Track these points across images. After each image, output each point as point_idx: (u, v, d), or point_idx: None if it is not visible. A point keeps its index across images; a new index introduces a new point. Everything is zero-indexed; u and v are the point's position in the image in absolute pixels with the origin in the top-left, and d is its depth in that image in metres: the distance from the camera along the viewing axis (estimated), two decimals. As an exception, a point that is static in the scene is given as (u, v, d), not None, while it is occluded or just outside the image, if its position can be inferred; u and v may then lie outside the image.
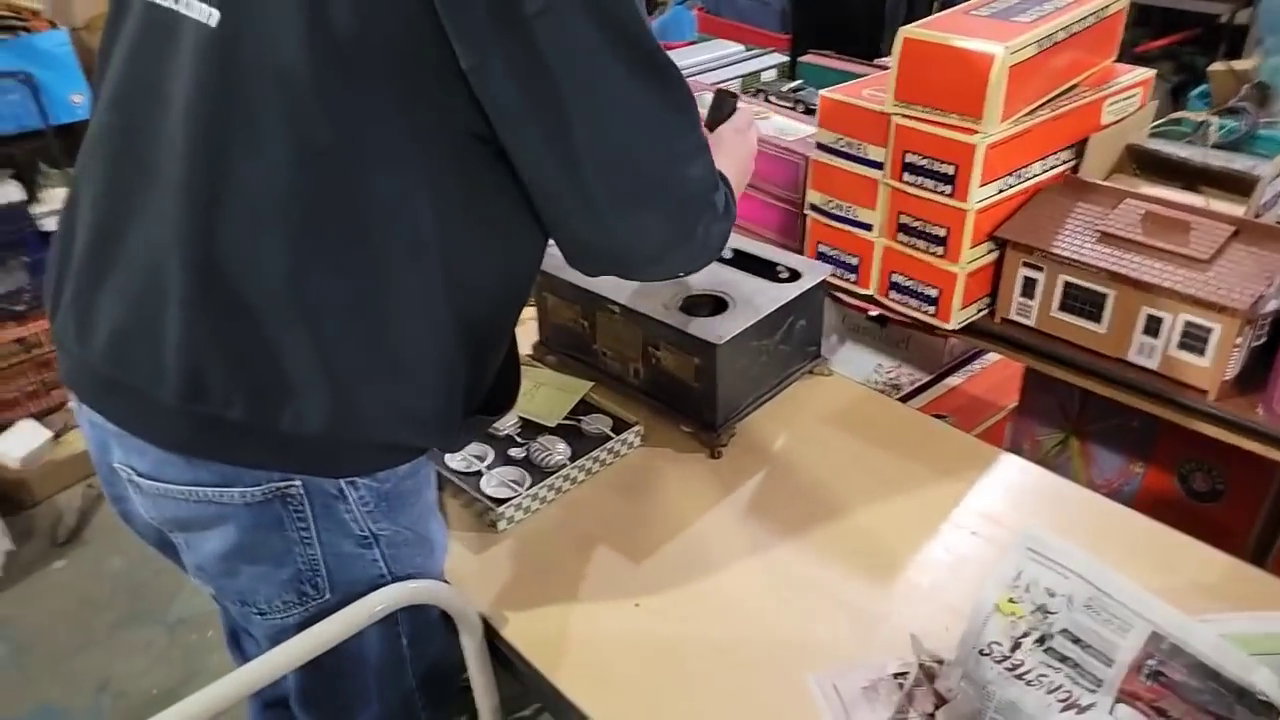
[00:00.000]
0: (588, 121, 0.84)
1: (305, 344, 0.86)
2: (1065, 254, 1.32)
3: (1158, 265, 1.25)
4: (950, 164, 1.33)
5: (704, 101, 1.16)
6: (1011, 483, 1.28)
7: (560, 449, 1.30)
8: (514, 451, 1.31)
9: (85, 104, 2.66)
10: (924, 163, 1.36)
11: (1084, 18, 1.40)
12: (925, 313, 1.46)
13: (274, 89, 0.81)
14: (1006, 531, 1.16)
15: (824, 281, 1.45)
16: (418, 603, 1.03)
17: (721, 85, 1.22)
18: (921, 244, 1.42)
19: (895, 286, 1.50)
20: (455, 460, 1.28)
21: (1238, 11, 3.61)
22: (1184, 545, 1.16)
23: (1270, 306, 1.21)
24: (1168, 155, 1.51)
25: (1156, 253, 1.26)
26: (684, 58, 2.21)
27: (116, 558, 2.44)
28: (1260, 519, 1.40)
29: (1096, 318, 1.32)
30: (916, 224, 1.42)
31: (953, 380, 2.01)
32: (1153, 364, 1.29)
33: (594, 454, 1.29)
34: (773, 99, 1.97)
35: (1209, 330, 1.21)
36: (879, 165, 1.43)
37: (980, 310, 1.46)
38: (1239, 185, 1.44)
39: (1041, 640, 0.90)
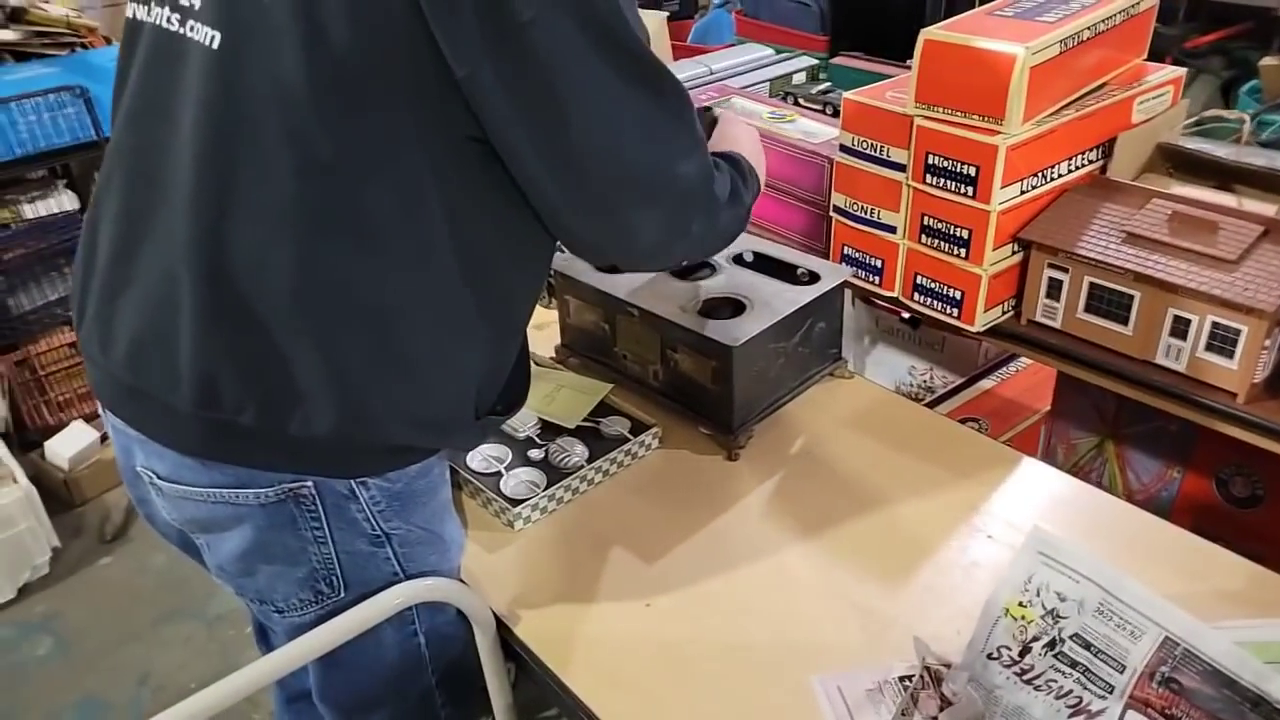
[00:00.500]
0: (578, 125, 0.85)
1: (314, 352, 0.89)
2: (1090, 255, 1.30)
3: (1184, 266, 1.22)
4: (972, 165, 1.32)
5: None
6: (1032, 487, 1.26)
7: (578, 450, 1.31)
8: (533, 453, 1.32)
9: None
10: (946, 164, 1.35)
11: (1111, 16, 1.38)
12: (949, 315, 1.45)
13: (275, 106, 0.83)
14: (1024, 536, 1.14)
15: (845, 283, 1.44)
16: (431, 600, 1.04)
17: (702, 105, 1.27)
18: (944, 246, 1.41)
19: (919, 288, 1.49)
20: (475, 461, 1.30)
21: (1293, 5, 3.51)
22: (1208, 551, 1.14)
23: (1301, 308, 1.19)
24: (1201, 154, 1.48)
25: (1183, 253, 1.23)
26: (717, 61, 2.22)
27: (160, 555, 2.50)
28: (1300, 526, 1.37)
29: (1123, 319, 1.30)
30: (939, 225, 1.40)
31: (986, 383, 1.99)
32: (1180, 366, 1.26)
33: (611, 455, 1.30)
34: (801, 101, 1.97)
35: (1237, 332, 1.19)
36: (902, 167, 1.42)
37: (1005, 312, 1.44)
38: (1273, 184, 1.41)
39: (1051, 645, 0.89)
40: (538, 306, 1.70)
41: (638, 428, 1.35)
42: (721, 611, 1.09)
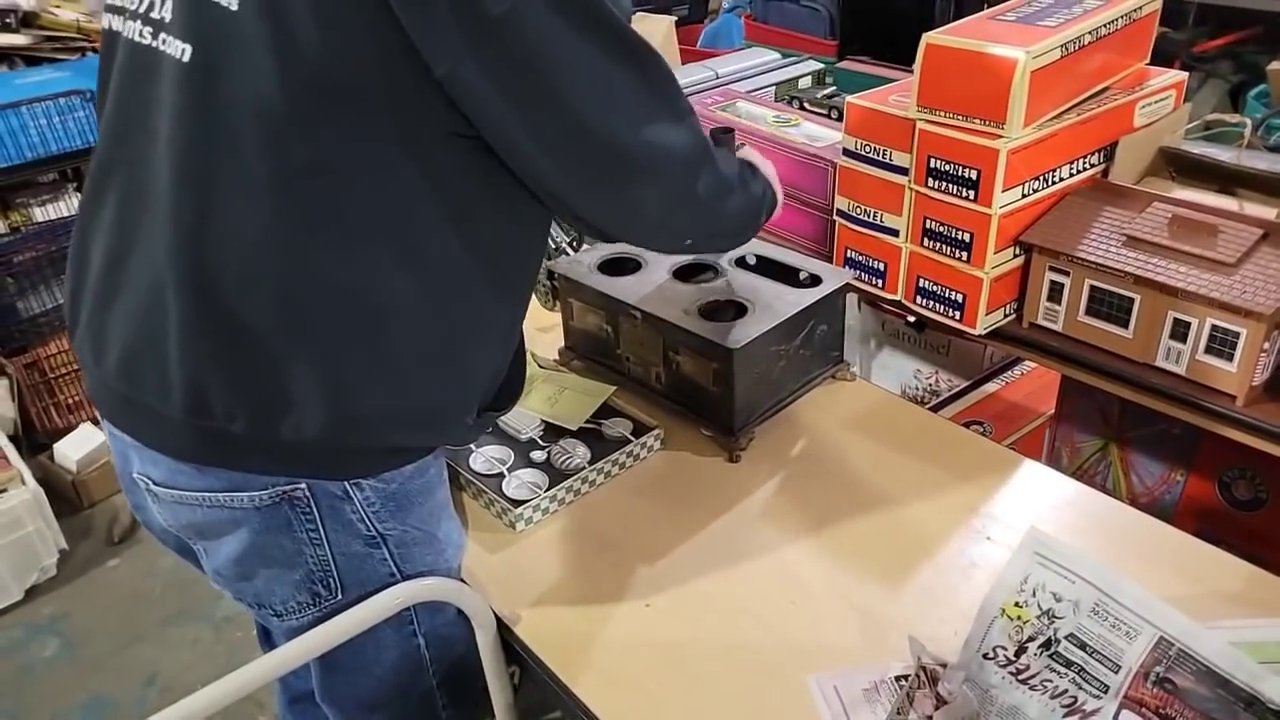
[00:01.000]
0: (569, 108, 0.85)
1: (304, 358, 0.89)
2: (1091, 258, 1.30)
3: (1184, 269, 1.23)
4: (974, 169, 1.33)
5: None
6: (1032, 490, 1.27)
7: (580, 452, 1.32)
8: (535, 454, 1.33)
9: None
10: (947, 168, 1.36)
11: (1113, 20, 1.39)
12: (951, 318, 1.46)
13: (251, 116, 0.84)
14: (1020, 536, 1.15)
15: (846, 286, 1.45)
16: (432, 599, 1.05)
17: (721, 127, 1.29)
18: (946, 249, 1.41)
19: (921, 291, 1.49)
20: (477, 462, 1.31)
21: (1301, 10, 3.50)
22: (1207, 553, 1.14)
23: (1301, 310, 1.19)
24: (1202, 157, 1.48)
25: (1183, 256, 1.24)
26: (723, 65, 2.22)
27: (167, 557, 2.47)
28: (1301, 528, 1.37)
29: (1123, 322, 1.31)
30: (941, 229, 1.41)
31: (991, 386, 2.00)
32: (1180, 369, 1.27)
33: (613, 457, 1.30)
34: (806, 105, 1.98)
35: (1236, 335, 1.19)
36: (904, 171, 1.43)
37: (1007, 315, 1.45)
38: (1274, 187, 1.41)
39: (1047, 645, 0.89)
40: (541, 309, 1.72)
41: (640, 429, 1.36)
42: (721, 612, 1.10)
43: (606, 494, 1.29)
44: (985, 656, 0.91)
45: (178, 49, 0.87)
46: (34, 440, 2.85)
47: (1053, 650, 0.89)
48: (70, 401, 2.91)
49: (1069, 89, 1.37)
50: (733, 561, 1.16)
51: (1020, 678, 0.90)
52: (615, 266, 1.48)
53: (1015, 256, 1.40)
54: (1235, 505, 1.47)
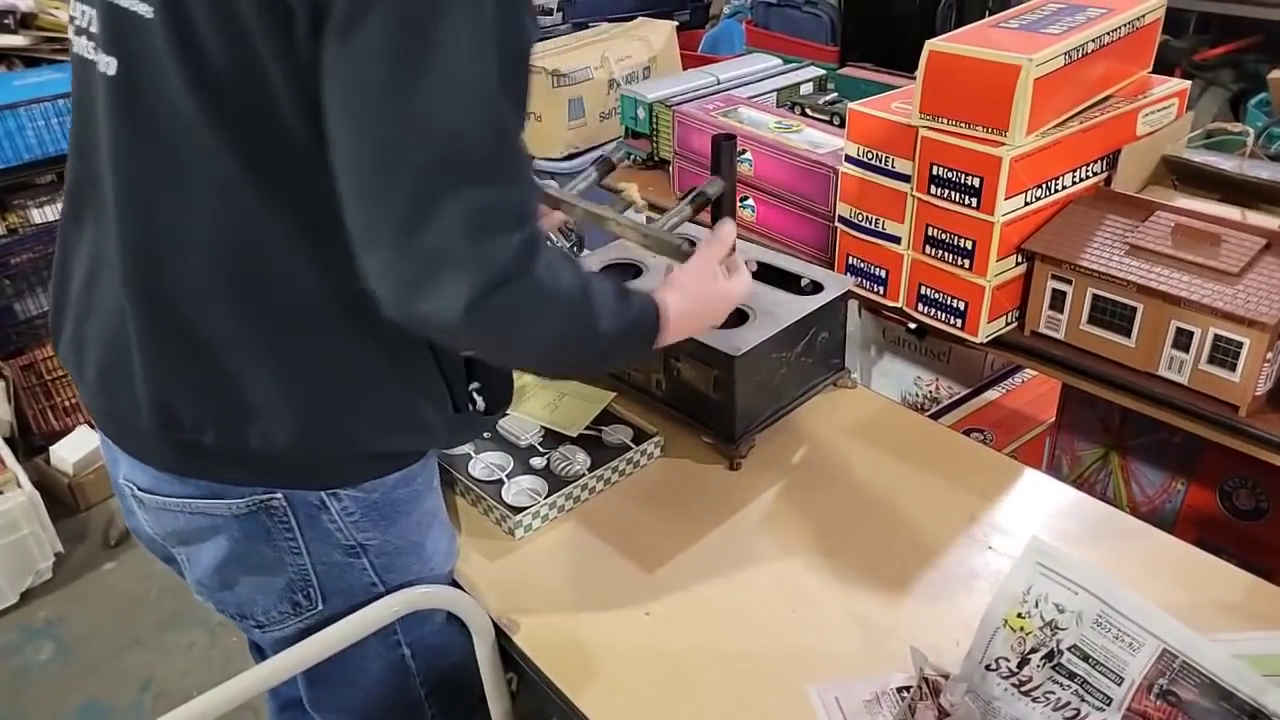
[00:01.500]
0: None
1: (264, 369, 0.89)
2: (1093, 267, 1.30)
3: (1186, 278, 1.22)
4: (976, 176, 1.32)
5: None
6: (1033, 498, 1.26)
7: (580, 459, 1.31)
8: (535, 461, 1.32)
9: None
10: (950, 175, 1.36)
11: (1116, 28, 1.38)
12: (952, 325, 1.45)
13: (177, 130, 0.83)
14: (1023, 546, 1.14)
15: (848, 294, 1.44)
16: (429, 607, 1.04)
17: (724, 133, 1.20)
18: (948, 256, 1.41)
19: (923, 299, 1.49)
20: (477, 469, 1.30)
21: (1301, 19, 3.50)
22: (1208, 563, 1.13)
23: (1304, 321, 1.18)
24: (1205, 166, 1.47)
25: (1186, 265, 1.23)
26: (725, 70, 2.22)
27: (172, 567, 2.50)
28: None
29: (1126, 331, 1.30)
30: (943, 236, 1.41)
31: (992, 394, 2.00)
32: (1182, 379, 1.26)
33: (613, 464, 1.30)
34: (808, 111, 1.97)
35: (1239, 344, 1.19)
36: (906, 178, 1.43)
37: (1008, 324, 1.44)
38: (1277, 196, 1.40)
39: (1050, 656, 0.89)
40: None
41: (640, 436, 1.36)
42: (721, 620, 1.09)
43: (606, 501, 1.28)
44: (988, 668, 0.91)
45: (105, 63, 0.86)
46: (30, 443, 2.84)
47: (1055, 662, 0.88)
48: (67, 404, 2.90)
49: (1072, 97, 1.37)
50: (733, 570, 1.16)
51: (1023, 689, 0.89)
52: (617, 273, 1.47)
53: (1017, 264, 1.39)
54: (1236, 515, 1.47)
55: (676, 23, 3.25)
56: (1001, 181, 1.30)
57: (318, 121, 0.78)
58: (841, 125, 1.81)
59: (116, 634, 2.31)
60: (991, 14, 2.47)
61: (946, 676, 0.94)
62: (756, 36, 3.95)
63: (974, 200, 1.34)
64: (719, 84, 2.14)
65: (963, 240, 1.38)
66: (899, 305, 1.53)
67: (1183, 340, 1.24)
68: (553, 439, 1.36)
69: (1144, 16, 1.45)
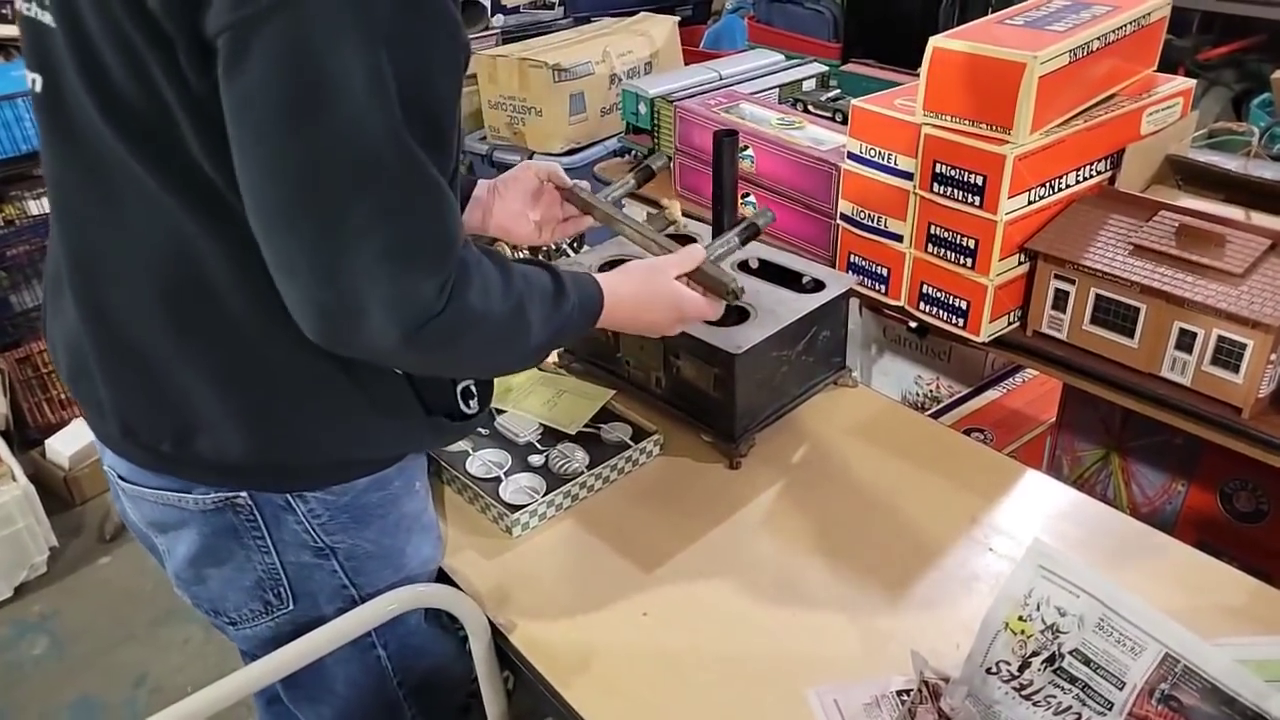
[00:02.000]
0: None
1: (208, 387, 0.88)
2: (1097, 266, 1.29)
3: (1190, 279, 1.21)
4: (979, 175, 1.31)
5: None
6: (1034, 500, 1.25)
7: (579, 456, 1.30)
8: (533, 458, 1.31)
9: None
10: (953, 173, 1.35)
11: (1122, 26, 1.37)
12: (954, 325, 1.44)
13: (96, 149, 0.82)
14: (1024, 549, 1.13)
15: (849, 292, 1.44)
16: (427, 606, 1.04)
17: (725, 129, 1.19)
18: (951, 255, 1.40)
19: (925, 298, 1.48)
20: (474, 466, 1.29)
21: (1305, 19, 3.49)
22: (1209, 566, 1.12)
23: (1309, 322, 1.17)
24: (1210, 166, 1.46)
25: (1190, 266, 1.22)
26: (727, 66, 2.21)
27: (155, 557, 2.49)
28: (1303, 541, 1.36)
29: (1129, 332, 1.29)
30: (946, 235, 1.40)
31: (992, 393, 1.99)
32: (1185, 380, 1.25)
33: (612, 462, 1.29)
34: (811, 108, 1.96)
35: (1243, 346, 1.18)
36: (909, 175, 1.42)
37: (1011, 323, 1.44)
38: (1282, 197, 1.39)
39: (1051, 660, 0.88)
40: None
41: (639, 434, 1.35)
42: (719, 621, 1.08)
43: (605, 500, 1.27)
44: (988, 671, 0.90)
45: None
46: (26, 435, 2.84)
47: (1057, 665, 0.87)
48: (63, 397, 2.89)
49: (1077, 95, 1.36)
50: (732, 570, 1.15)
51: (1024, 693, 0.88)
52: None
53: (1020, 264, 1.38)
54: (1236, 517, 1.46)
55: (678, 18, 3.24)
56: (1005, 180, 1.29)
57: (224, 150, 0.76)
58: (844, 122, 1.79)
59: (111, 629, 2.31)
60: (994, 11, 2.46)
61: (947, 680, 0.93)
62: (758, 32, 3.93)
63: (977, 199, 1.33)
64: (721, 80, 2.13)
65: (965, 239, 1.37)
66: (901, 304, 1.52)
67: (1186, 341, 1.23)
68: (551, 436, 1.35)
69: (1149, 15, 1.44)
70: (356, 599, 1.02)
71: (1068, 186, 1.39)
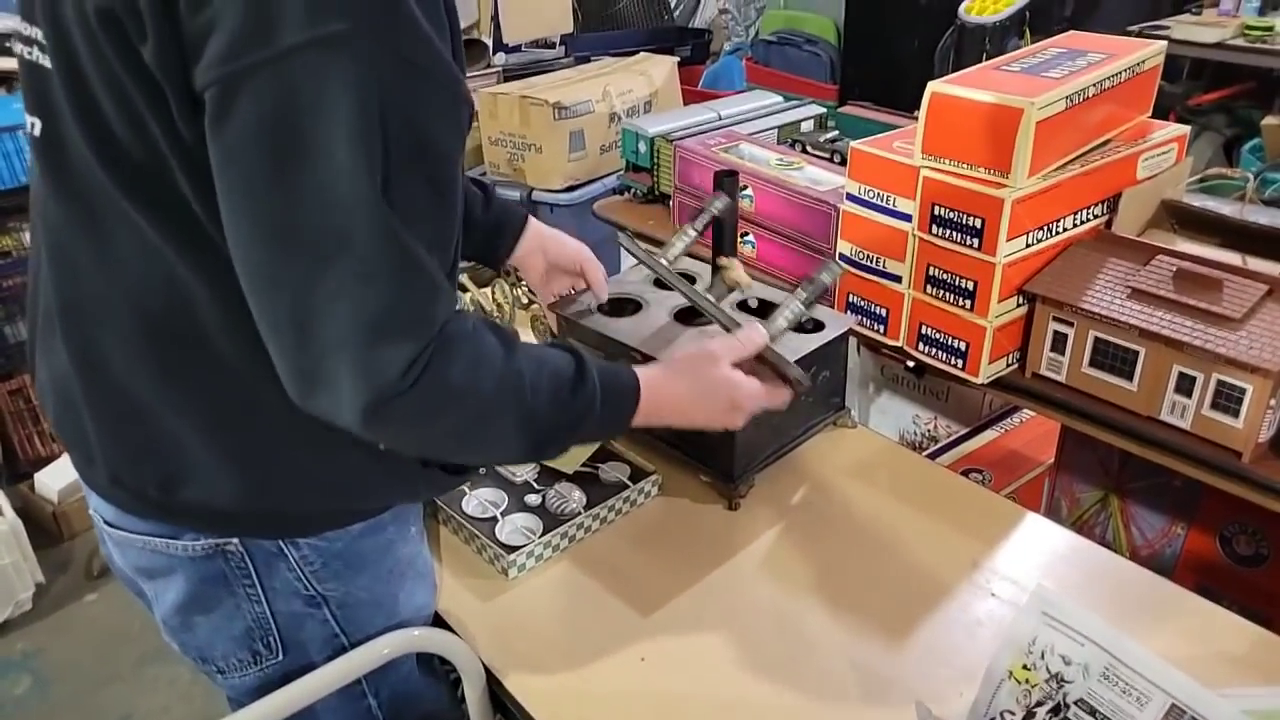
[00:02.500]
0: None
1: (196, 435, 0.87)
2: (1095, 310, 1.29)
3: (1189, 323, 1.21)
4: (978, 217, 1.32)
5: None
6: (1036, 544, 1.24)
7: (576, 496, 1.29)
8: (530, 498, 1.30)
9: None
10: (952, 215, 1.35)
11: (1117, 73, 1.39)
12: (953, 366, 1.44)
13: (90, 191, 0.81)
14: (1027, 594, 1.12)
15: (849, 333, 1.43)
16: (420, 650, 1.02)
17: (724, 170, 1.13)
18: (949, 297, 1.40)
19: (924, 339, 1.48)
20: (470, 506, 1.28)
21: (1294, 66, 3.55)
22: (1213, 614, 1.11)
23: (1308, 368, 1.17)
24: (1205, 211, 1.47)
25: (1188, 310, 1.23)
26: (726, 107, 2.22)
27: (143, 602, 2.46)
28: (1304, 587, 1.35)
29: (1128, 375, 1.29)
30: (945, 276, 1.40)
31: (990, 434, 1.98)
32: (1185, 424, 1.25)
33: (610, 502, 1.27)
34: (809, 149, 1.97)
35: (1242, 391, 1.18)
36: (908, 217, 1.42)
37: (1009, 365, 1.43)
38: (1278, 243, 1.40)
39: (1056, 710, 0.87)
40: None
41: (637, 474, 1.34)
42: (718, 667, 1.06)
43: (602, 541, 1.26)
44: (992, 721, 0.89)
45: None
46: (15, 469, 2.81)
47: (1062, 716, 0.86)
48: (53, 430, 2.86)
49: (1073, 140, 1.37)
50: (731, 614, 1.13)
51: (1029, 744, 0.87)
52: (616, 307, 1.46)
53: (1019, 306, 1.38)
54: (1236, 560, 1.45)
55: (678, 58, 3.27)
56: (1003, 223, 1.29)
57: (213, 199, 0.75)
58: (842, 163, 1.80)
59: (96, 668, 2.27)
60: (989, 56, 2.48)
61: (950, 729, 0.92)
62: (757, 73, 3.98)
63: (976, 241, 1.33)
64: (720, 120, 2.14)
65: (964, 281, 1.37)
66: (900, 344, 1.52)
67: (1185, 385, 1.23)
68: (549, 475, 1.34)
69: (1144, 62, 1.45)
70: (347, 648, 1.00)
71: (1065, 230, 1.39)
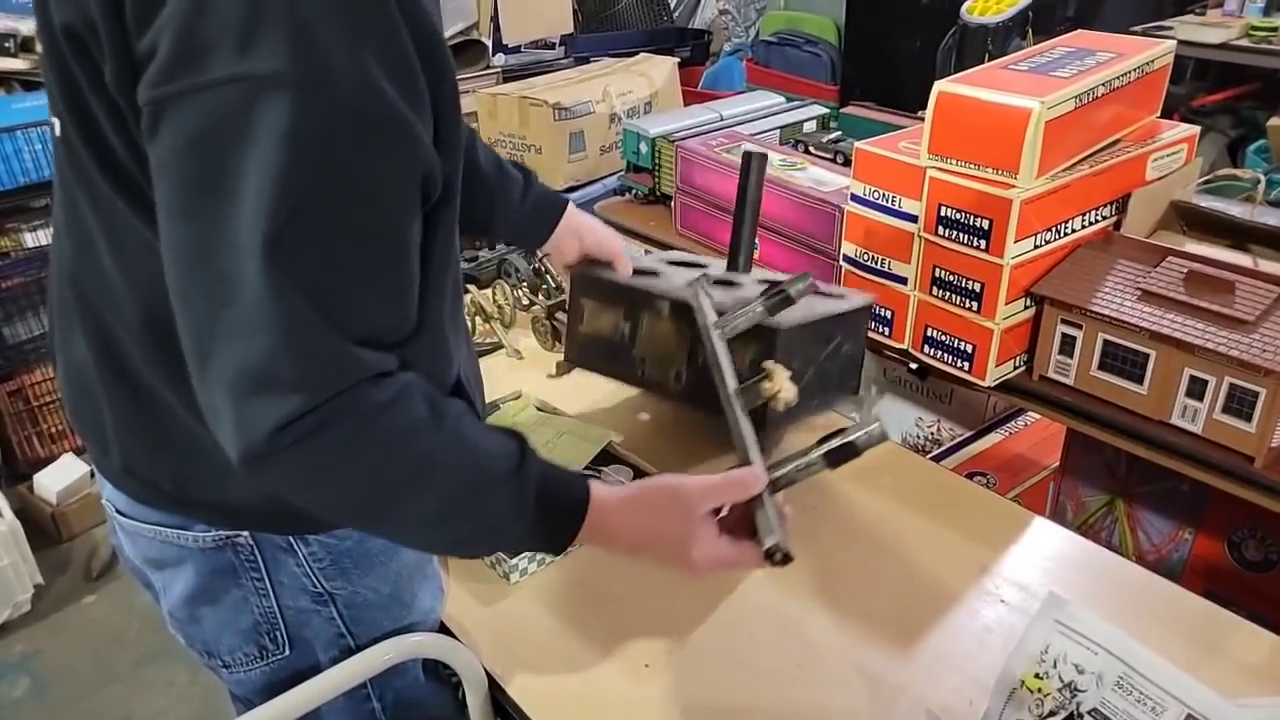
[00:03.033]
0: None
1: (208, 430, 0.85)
2: (1105, 312, 1.27)
3: (1200, 326, 1.20)
4: (985, 218, 1.30)
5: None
6: (1045, 549, 1.23)
7: (579, 500, 1.27)
8: (532, 501, 1.28)
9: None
10: (958, 217, 1.34)
11: (1126, 73, 1.37)
12: (960, 369, 1.42)
13: (101, 188, 0.80)
14: (1038, 601, 1.11)
15: (870, 307, 1.40)
16: (422, 656, 1.01)
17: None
18: (956, 299, 1.39)
19: (929, 341, 1.46)
20: (472, 509, 1.26)
21: (1299, 66, 3.53)
22: (1227, 622, 1.10)
23: (1321, 371, 1.16)
24: (1215, 212, 1.46)
25: (1199, 313, 1.21)
26: (728, 107, 2.21)
27: (146, 593, 2.45)
28: (1315, 594, 1.34)
29: (1138, 378, 1.28)
30: (951, 278, 1.38)
31: (995, 437, 1.97)
32: (1196, 428, 1.23)
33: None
34: (812, 149, 1.96)
35: (1255, 394, 1.16)
36: (914, 218, 1.41)
37: (1016, 367, 1.42)
38: (1289, 244, 1.39)
39: (1070, 719, 0.85)
40: (542, 352, 1.68)
41: (640, 478, 1.32)
42: (723, 674, 1.05)
43: (605, 545, 1.24)
44: (1004, 730, 0.87)
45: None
46: (14, 470, 2.80)
47: (1075, 725, 0.85)
48: (53, 430, 2.86)
49: (1082, 140, 1.35)
50: (736, 620, 1.12)
51: (1041, 754, 0.85)
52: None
53: (1026, 308, 1.37)
54: (1245, 566, 1.44)
55: (678, 59, 3.25)
56: (1012, 224, 1.28)
57: None
58: (845, 164, 1.79)
59: (95, 670, 2.26)
60: (991, 57, 2.47)
61: (960, 739, 0.91)
62: (757, 74, 3.96)
63: (983, 242, 1.32)
64: (722, 120, 2.13)
65: (971, 282, 1.36)
66: (905, 346, 1.50)
67: (1196, 389, 1.22)
68: (550, 479, 1.32)
69: (1153, 61, 1.44)
70: (353, 648, 0.99)
71: (1073, 231, 1.38)
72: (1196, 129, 1.51)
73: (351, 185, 0.70)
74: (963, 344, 1.41)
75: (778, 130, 2.06)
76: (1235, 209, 1.51)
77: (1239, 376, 1.17)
